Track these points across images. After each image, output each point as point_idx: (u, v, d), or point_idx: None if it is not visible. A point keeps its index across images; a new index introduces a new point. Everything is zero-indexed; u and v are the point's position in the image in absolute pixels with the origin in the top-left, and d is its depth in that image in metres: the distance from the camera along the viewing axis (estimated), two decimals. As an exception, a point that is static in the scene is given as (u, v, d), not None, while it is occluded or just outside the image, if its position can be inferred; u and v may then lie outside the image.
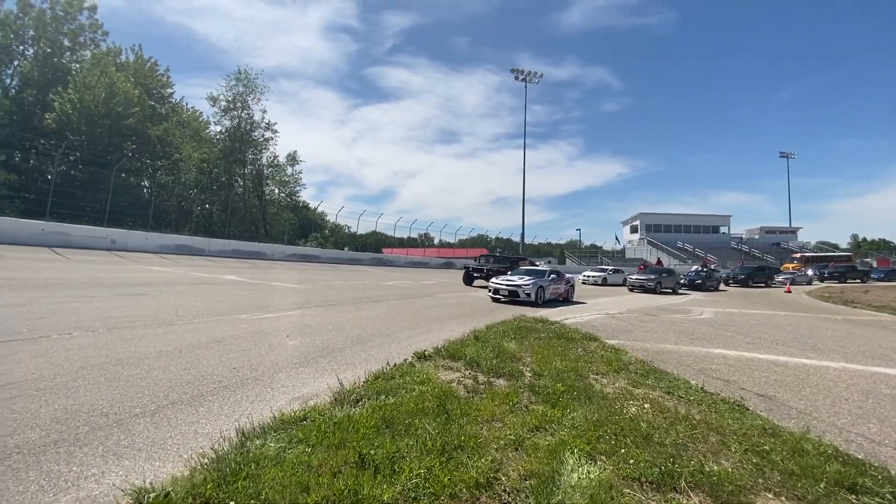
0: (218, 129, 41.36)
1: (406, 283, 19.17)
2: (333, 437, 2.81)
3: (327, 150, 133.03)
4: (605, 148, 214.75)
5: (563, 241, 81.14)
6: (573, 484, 2.57)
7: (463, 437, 2.99)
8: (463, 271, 21.62)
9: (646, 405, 4.16)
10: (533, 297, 13.74)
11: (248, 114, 41.31)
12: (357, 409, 3.47)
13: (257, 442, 2.73)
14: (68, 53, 37.69)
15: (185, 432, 3.02)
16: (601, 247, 74.76)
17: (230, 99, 39.88)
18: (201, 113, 44.00)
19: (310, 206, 51.51)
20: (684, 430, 3.51)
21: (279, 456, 2.53)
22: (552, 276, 15.52)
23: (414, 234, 55.05)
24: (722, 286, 32.73)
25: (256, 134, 42.47)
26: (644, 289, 24.74)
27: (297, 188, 49.63)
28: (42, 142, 31.74)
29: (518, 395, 4.14)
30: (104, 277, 11.38)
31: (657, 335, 9.13)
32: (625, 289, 26.66)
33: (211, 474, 2.28)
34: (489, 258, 22.29)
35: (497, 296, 14.19)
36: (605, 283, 29.57)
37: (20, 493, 2.16)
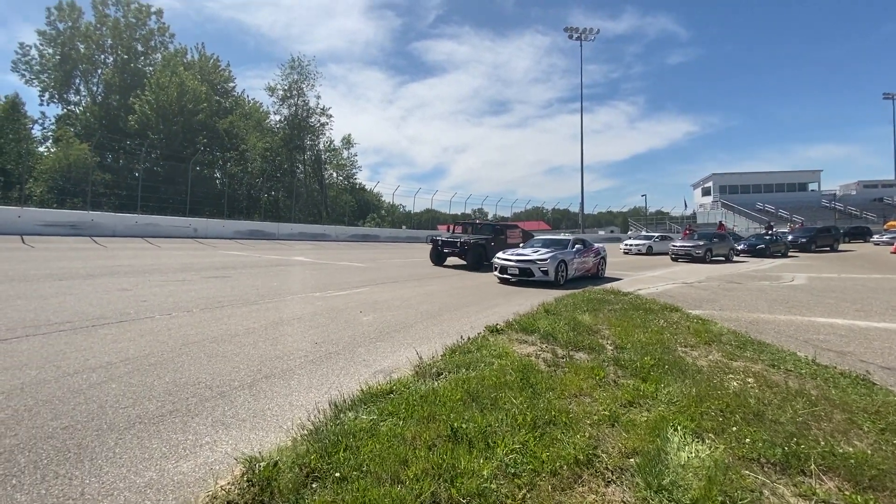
0: (277, 118, 43.17)
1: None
2: (422, 410, 2.80)
3: (378, 131, 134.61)
4: (670, 106, 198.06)
5: (625, 209, 77.21)
6: (682, 463, 2.37)
7: (553, 412, 2.87)
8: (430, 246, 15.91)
9: (749, 379, 3.79)
10: (552, 274, 10.79)
11: (304, 101, 42.64)
12: (439, 382, 3.45)
13: (350, 414, 2.79)
14: (142, 58, 40.71)
15: (280, 404, 3.15)
16: (668, 213, 70.23)
17: (286, 88, 41.32)
18: (261, 104, 46.04)
19: (366, 187, 52.73)
20: (802, 407, 3.14)
21: (373, 428, 2.56)
22: (576, 246, 12.33)
23: (468, 210, 54.79)
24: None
25: (313, 120, 43.83)
26: (691, 257, 20.56)
27: (354, 170, 50.94)
28: (128, 142, 34.89)
29: (603, 368, 3.93)
30: (192, 262, 12.37)
31: (747, 304, 8.38)
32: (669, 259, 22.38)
33: (312, 445, 2.35)
34: (468, 226, 17.17)
35: (504, 275, 11.34)
36: (650, 252, 25.94)
37: (146, 458, 2.34)
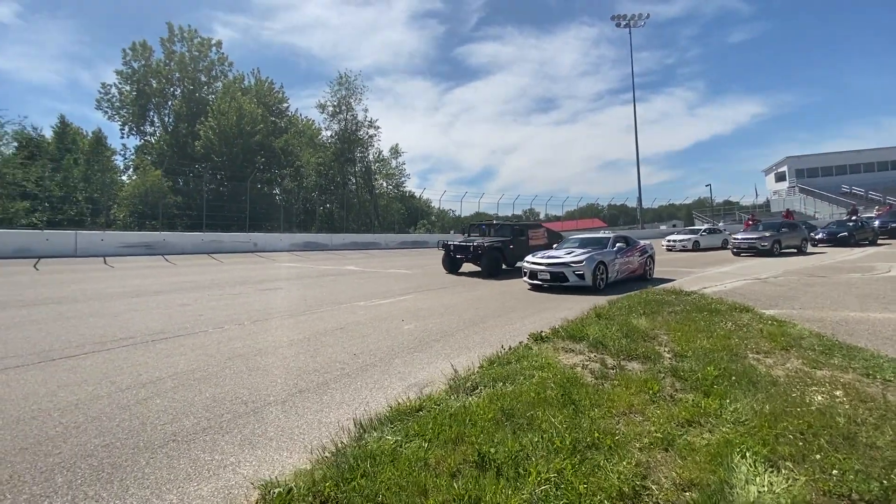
0: (328, 133, 44.99)
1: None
2: (450, 431, 2.61)
3: (425, 139, 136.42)
4: (734, 87, 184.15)
5: (689, 201, 72.49)
6: (752, 500, 2.00)
7: (596, 434, 2.57)
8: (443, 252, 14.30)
9: (836, 392, 3.23)
10: (588, 278, 9.43)
11: (353, 115, 44.10)
12: (473, 398, 3.24)
13: (375, 434, 2.66)
14: (205, 87, 44.02)
15: (310, 421, 3.09)
16: (737, 202, 65.06)
17: (335, 104, 42.97)
18: (313, 121, 48.19)
19: (415, 194, 53.52)
20: (908, 429, 2.61)
21: (396, 451, 2.40)
22: (618, 244, 10.80)
23: (518, 211, 53.94)
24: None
25: (361, 132, 45.19)
26: (755, 251, 18.12)
27: (402, 179, 51.88)
28: (196, 166, 37.85)
29: (658, 381, 3.53)
30: (248, 276, 13.01)
31: (832, 301, 7.41)
32: (729, 254, 19.85)
33: (330, 470, 2.23)
34: (487, 228, 15.07)
35: (535, 281, 10.02)
36: (696, 247, 22.92)
37: (170, 480, 2.34)
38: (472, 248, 13.14)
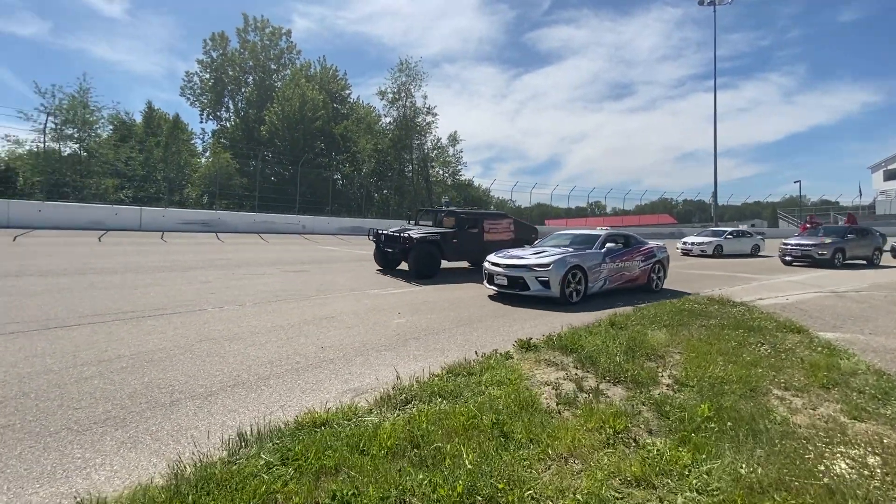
0: (388, 119, 45.53)
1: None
2: (332, 459, 2.20)
3: (490, 126, 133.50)
4: (841, 72, 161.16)
5: (777, 199, 65.21)
6: None
7: (502, 484, 2.03)
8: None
9: (870, 460, 2.41)
10: (554, 287, 7.26)
11: (412, 101, 44.20)
12: (398, 414, 2.80)
13: (252, 450, 2.31)
14: (274, 74, 46.15)
15: (212, 423, 2.82)
16: (836, 202, 57.51)
17: (395, 90, 43.28)
18: (374, 108, 48.96)
19: (473, 183, 52.94)
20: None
21: (252, 477, 2.04)
22: (608, 245, 8.49)
23: (583, 203, 51.57)
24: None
25: (420, 119, 45.25)
26: (811, 260, 15.04)
27: (459, 167, 51.45)
28: (262, 151, 40.04)
29: (631, 415, 2.87)
30: (283, 257, 13.33)
31: (919, 327, 6.00)
32: (772, 263, 16.42)
33: (164, 493, 1.91)
34: (434, 213, 12.65)
35: (492, 286, 8.05)
36: (718, 252, 19.02)
37: (21, 476, 2.16)
38: (400, 240, 10.34)
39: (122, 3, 78.36)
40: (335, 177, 47.95)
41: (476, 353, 4.32)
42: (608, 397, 3.28)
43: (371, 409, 2.88)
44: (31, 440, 2.53)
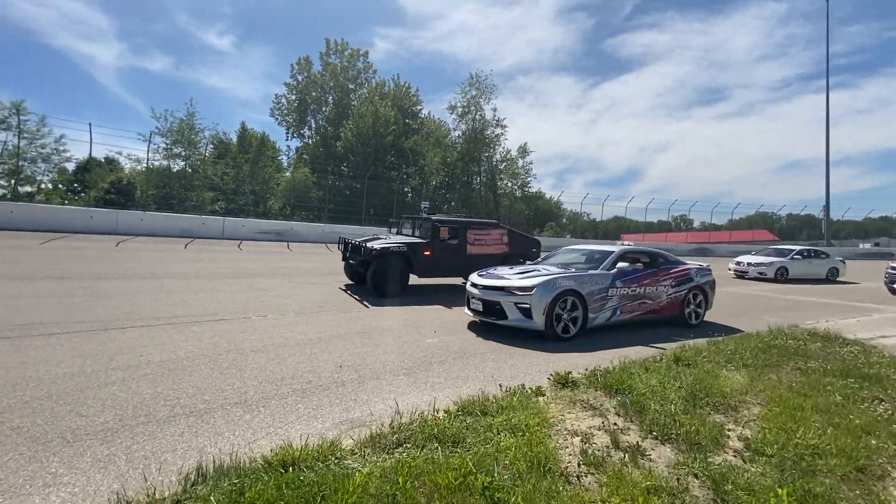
0: (457, 133, 46.11)
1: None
2: (281, 513, 1.87)
3: (564, 137, 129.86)
4: None
5: (907, 215, 55.76)
6: None
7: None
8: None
9: None
10: (538, 318, 5.81)
11: (481, 115, 44.39)
12: (379, 459, 2.43)
13: (204, 490, 2.07)
14: (352, 93, 48.87)
15: (183, 449, 2.62)
16: None
17: (465, 104, 43.77)
18: (444, 122, 49.91)
19: (544, 195, 51.73)
20: None
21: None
22: (620, 265, 6.77)
23: (664, 216, 47.97)
24: None
25: (489, 132, 45.25)
26: None
27: (529, 179, 50.55)
28: (343, 167, 42.44)
29: (674, 492, 2.22)
30: (329, 267, 13.46)
31: None
32: (864, 291, 13.64)
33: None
34: (413, 221, 10.91)
35: (469, 310, 6.68)
36: (782, 276, 16.07)
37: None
38: (362, 252, 9.07)
39: (230, 38, 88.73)
40: (404, 189, 49.33)
41: (501, 385, 3.82)
42: (650, 460, 2.63)
43: (354, 450, 2.53)
44: (25, 447, 2.52)
